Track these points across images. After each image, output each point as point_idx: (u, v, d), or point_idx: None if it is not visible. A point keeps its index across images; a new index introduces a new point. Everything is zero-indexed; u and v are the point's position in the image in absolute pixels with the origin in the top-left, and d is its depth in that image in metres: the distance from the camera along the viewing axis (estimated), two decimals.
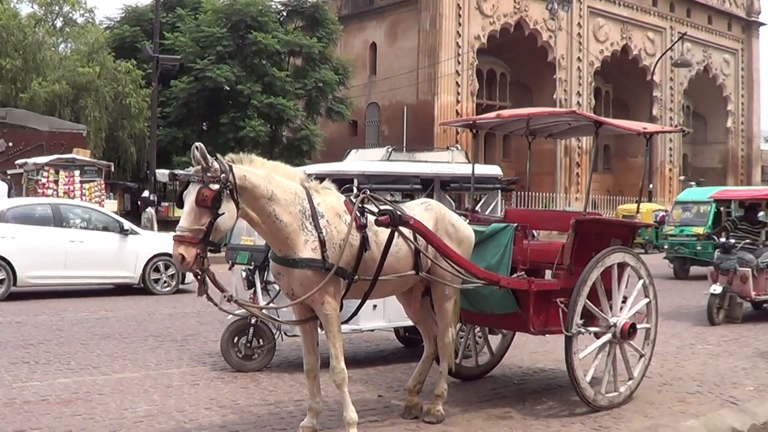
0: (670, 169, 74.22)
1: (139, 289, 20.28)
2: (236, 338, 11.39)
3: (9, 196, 30.54)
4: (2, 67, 43.96)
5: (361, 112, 63.03)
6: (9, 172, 33.45)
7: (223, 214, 6.94)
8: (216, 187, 6.90)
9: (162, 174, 33.76)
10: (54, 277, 19.34)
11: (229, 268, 11.79)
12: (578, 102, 64.71)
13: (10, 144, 37.83)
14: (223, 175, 6.97)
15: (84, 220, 20.01)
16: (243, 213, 7.23)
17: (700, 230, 26.98)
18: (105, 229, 20.16)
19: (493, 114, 11.00)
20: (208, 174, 6.90)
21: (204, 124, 47.89)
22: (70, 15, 55.06)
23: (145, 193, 35.17)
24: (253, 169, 7.35)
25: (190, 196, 6.93)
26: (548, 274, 9.85)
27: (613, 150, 73.66)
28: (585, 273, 9.16)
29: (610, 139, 67.69)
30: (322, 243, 7.47)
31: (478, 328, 11.12)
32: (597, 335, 9.59)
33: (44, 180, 29.70)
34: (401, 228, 7.92)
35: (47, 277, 19.20)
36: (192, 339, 13.79)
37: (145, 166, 44.74)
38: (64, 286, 19.91)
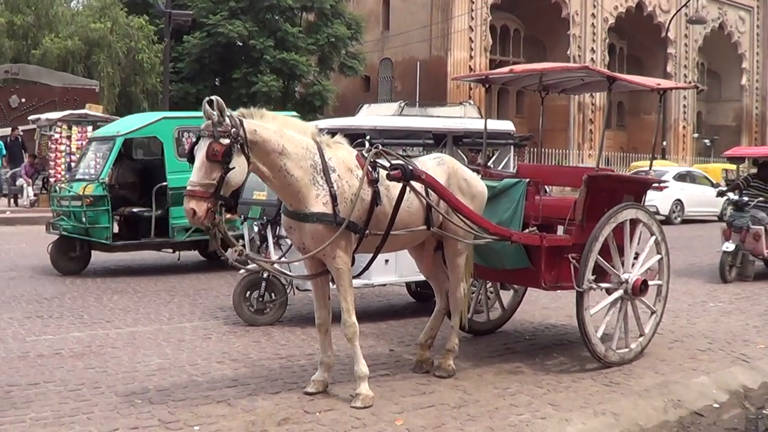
0: (684, 127, 73.93)
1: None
2: (248, 293, 11.40)
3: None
4: (14, 23, 43.89)
5: (374, 68, 62.87)
6: (21, 128, 33.46)
7: (233, 168, 6.92)
8: (226, 141, 6.86)
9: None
10: None
11: (241, 223, 11.80)
12: (592, 58, 64.36)
13: (23, 100, 37.79)
14: (234, 129, 6.93)
15: None
16: (254, 167, 7.21)
17: (91, 189, 15.73)
18: None
19: (506, 69, 10.94)
20: (219, 129, 6.87)
21: (216, 79, 47.87)
22: None
23: None
24: (264, 124, 7.31)
25: (200, 151, 6.91)
26: (560, 229, 9.82)
27: (626, 107, 73.43)
28: (597, 229, 9.12)
29: (624, 96, 67.42)
30: (334, 197, 7.45)
31: (490, 284, 11.11)
32: (608, 291, 9.56)
33: (57, 136, 29.61)
34: (413, 183, 7.90)
35: None
36: (204, 293, 13.82)
37: None
38: None
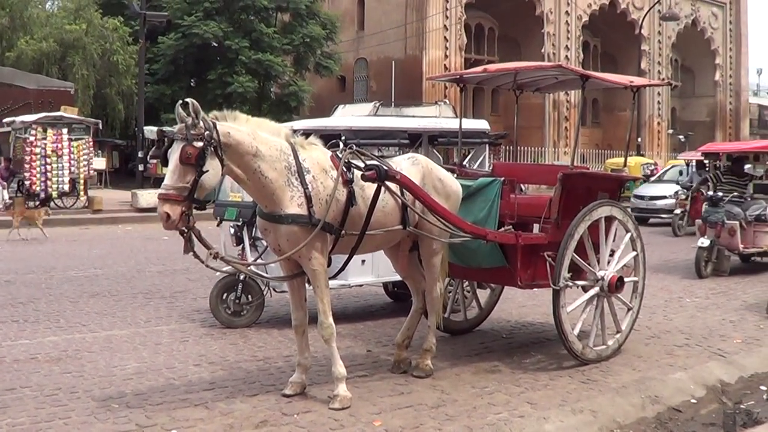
0: (659, 123, 74.13)
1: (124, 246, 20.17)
2: (225, 295, 11.37)
3: None
4: None
5: (350, 68, 62.77)
6: None
7: (207, 171, 6.92)
8: (200, 144, 6.86)
9: (150, 131, 33.65)
10: None
11: (218, 225, 11.75)
12: (566, 56, 64.47)
13: None
14: (207, 132, 6.93)
15: None
16: (228, 170, 7.21)
17: None
18: None
19: (480, 68, 10.99)
20: (192, 132, 6.86)
21: (192, 80, 47.73)
22: None
23: None
24: (238, 126, 7.31)
25: (174, 154, 6.92)
26: (536, 228, 9.84)
27: (601, 104, 73.55)
28: (572, 226, 9.15)
29: (599, 93, 67.50)
30: (308, 198, 7.45)
31: (467, 283, 11.13)
32: (585, 289, 9.61)
33: (32, 138, 29.48)
34: (388, 183, 7.89)
35: None
36: (181, 296, 13.76)
37: (133, 123, 44.62)
38: None
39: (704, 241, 16.76)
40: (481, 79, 11.44)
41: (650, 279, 12.43)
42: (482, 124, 14.51)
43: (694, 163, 28.64)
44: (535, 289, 10.22)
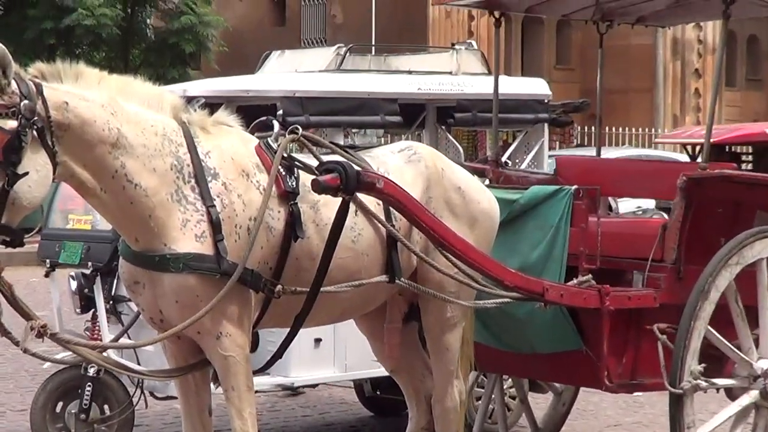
0: None
1: None
2: (61, 405, 11.34)
3: None
4: None
5: None
6: None
7: (26, 174, 6.84)
8: (12, 125, 6.78)
9: None
10: None
11: (46, 275, 11.75)
12: None
13: None
14: (25, 102, 6.84)
15: None
16: (65, 172, 7.14)
17: None
18: None
19: None
20: None
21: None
22: None
23: None
24: (84, 92, 7.26)
25: None
26: (637, 278, 9.81)
27: (765, 46, 73.82)
28: (706, 277, 9.10)
29: (758, 27, 67.77)
30: (215, 225, 7.41)
31: (510, 381, 11.15)
32: (731, 394, 9.56)
33: None
34: (361, 196, 7.87)
35: None
36: None
37: None
38: None
39: None
40: (536, 2, 11.45)
41: None
42: (538, 86, 14.63)
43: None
44: (637, 394, 10.23)
